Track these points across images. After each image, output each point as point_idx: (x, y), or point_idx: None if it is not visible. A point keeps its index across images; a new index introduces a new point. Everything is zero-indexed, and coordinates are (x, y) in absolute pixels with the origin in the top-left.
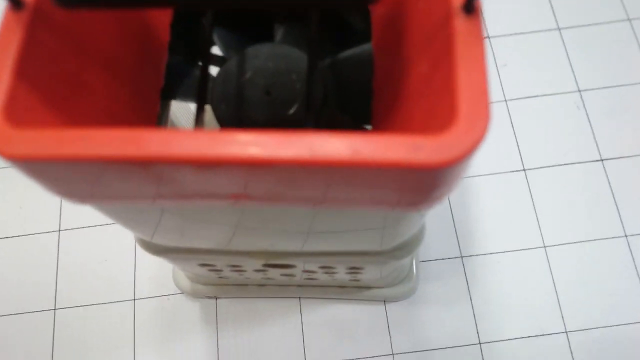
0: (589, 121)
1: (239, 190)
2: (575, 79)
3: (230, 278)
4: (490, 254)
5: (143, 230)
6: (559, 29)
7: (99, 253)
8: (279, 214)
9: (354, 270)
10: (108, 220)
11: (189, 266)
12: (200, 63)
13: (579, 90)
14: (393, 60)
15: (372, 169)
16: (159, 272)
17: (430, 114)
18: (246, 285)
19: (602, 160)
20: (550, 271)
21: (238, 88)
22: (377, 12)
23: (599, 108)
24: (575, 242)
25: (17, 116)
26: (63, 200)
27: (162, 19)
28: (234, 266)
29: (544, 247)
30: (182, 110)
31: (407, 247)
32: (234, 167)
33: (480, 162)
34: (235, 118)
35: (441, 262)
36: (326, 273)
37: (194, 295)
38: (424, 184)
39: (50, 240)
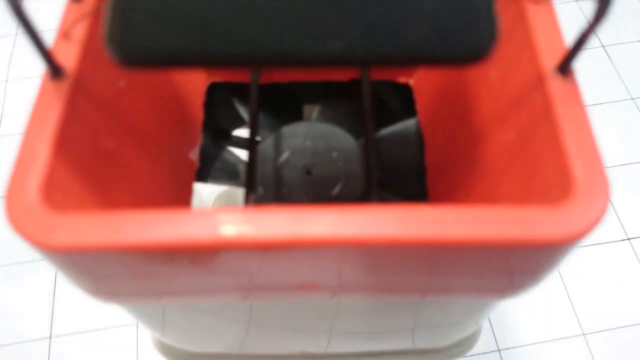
0: (611, 202)
1: (315, 278)
2: None
3: None
4: (528, 345)
5: (174, 333)
6: None
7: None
8: (344, 307)
9: None
10: (106, 323)
11: None
12: (229, 147)
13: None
14: (453, 133)
15: (491, 247)
16: None
17: (526, 185)
18: None
19: (629, 239)
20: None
21: (276, 169)
22: (423, 91)
23: (621, 186)
24: (615, 328)
25: (56, 199)
26: (56, 302)
27: (196, 100)
28: None
29: (583, 334)
30: None
31: (465, 344)
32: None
33: None
34: (275, 201)
35: (478, 357)
36: None
37: None
38: (541, 261)
39: (41, 350)
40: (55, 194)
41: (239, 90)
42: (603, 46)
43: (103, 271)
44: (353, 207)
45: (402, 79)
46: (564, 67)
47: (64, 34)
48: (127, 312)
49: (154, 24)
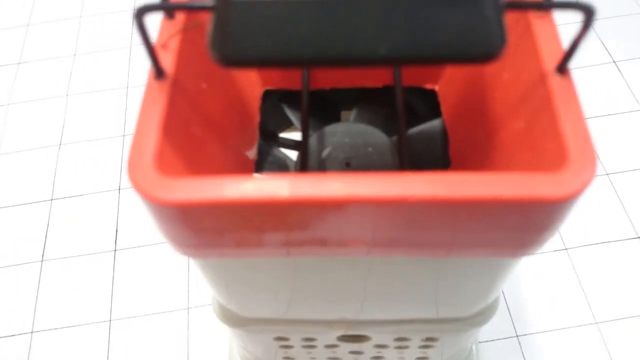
0: (621, 201)
1: (357, 235)
2: (602, 164)
3: (295, 358)
4: (544, 332)
5: (232, 295)
6: None
7: (151, 344)
8: (381, 269)
9: (428, 341)
10: (160, 307)
11: (260, 342)
12: (279, 147)
13: (607, 174)
14: (472, 129)
15: (501, 204)
16: None
17: (532, 163)
18: None
19: (639, 237)
20: (606, 347)
21: (320, 162)
22: (447, 95)
23: (627, 189)
24: (626, 318)
25: (163, 168)
26: (115, 290)
27: (254, 103)
28: (307, 339)
29: (596, 323)
30: None
31: (485, 314)
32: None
33: None
34: None
35: (498, 342)
36: (398, 347)
37: None
38: (543, 218)
39: (101, 331)
40: (162, 165)
41: (287, 97)
42: (614, 62)
43: (197, 224)
44: (392, 174)
45: (428, 86)
46: (562, 68)
47: (162, 45)
48: (201, 271)
49: (246, 35)
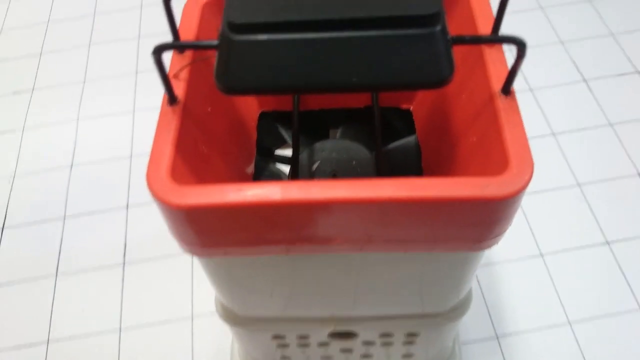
0: (592, 210)
1: (340, 233)
2: (574, 175)
3: (291, 358)
4: (522, 332)
5: (240, 296)
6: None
7: (158, 349)
8: (364, 266)
9: (410, 337)
10: (166, 316)
11: (259, 341)
12: (273, 162)
13: (578, 184)
14: (439, 142)
15: (453, 203)
16: None
17: (483, 170)
18: None
19: (607, 242)
20: (579, 346)
21: (310, 174)
22: (420, 114)
23: (597, 198)
24: (596, 317)
25: (176, 178)
26: (124, 300)
27: (252, 124)
28: (302, 338)
29: (569, 323)
30: None
31: (460, 308)
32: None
33: (503, 250)
34: None
35: (479, 343)
36: (384, 344)
37: None
38: (491, 215)
39: (112, 340)
40: (175, 175)
41: (282, 118)
42: (585, 80)
43: (204, 224)
44: (367, 180)
45: (404, 106)
46: (506, 89)
47: (174, 75)
48: (206, 271)
49: (245, 69)
